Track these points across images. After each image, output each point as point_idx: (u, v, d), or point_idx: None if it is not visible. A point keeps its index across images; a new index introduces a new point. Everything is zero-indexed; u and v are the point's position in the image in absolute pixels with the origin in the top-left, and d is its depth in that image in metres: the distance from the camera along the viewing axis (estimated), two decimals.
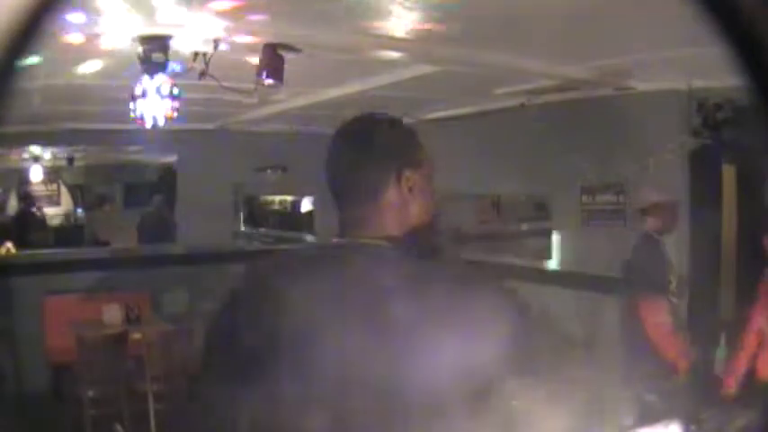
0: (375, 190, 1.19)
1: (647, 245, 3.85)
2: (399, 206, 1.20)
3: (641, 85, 4.33)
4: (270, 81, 3.28)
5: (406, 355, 1.02)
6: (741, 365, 3.32)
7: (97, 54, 3.26)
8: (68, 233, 10.46)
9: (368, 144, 1.22)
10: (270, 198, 11.00)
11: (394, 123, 1.28)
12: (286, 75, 3.29)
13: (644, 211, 3.85)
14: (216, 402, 1.14)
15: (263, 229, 10.16)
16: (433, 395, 1.00)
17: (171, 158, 7.68)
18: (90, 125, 6.06)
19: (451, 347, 1.02)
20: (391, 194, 1.19)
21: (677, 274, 3.86)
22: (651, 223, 3.81)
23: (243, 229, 9.46)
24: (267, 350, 1.08)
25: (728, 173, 4.65)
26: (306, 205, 9.87)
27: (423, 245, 1.20)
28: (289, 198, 10.77)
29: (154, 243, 7.83)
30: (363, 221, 1.19)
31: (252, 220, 10.26)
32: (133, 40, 3.05)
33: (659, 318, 3.62)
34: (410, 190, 1.20)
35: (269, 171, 7.87)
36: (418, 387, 1.00)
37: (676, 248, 4.31)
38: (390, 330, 1.03)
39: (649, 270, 3.80)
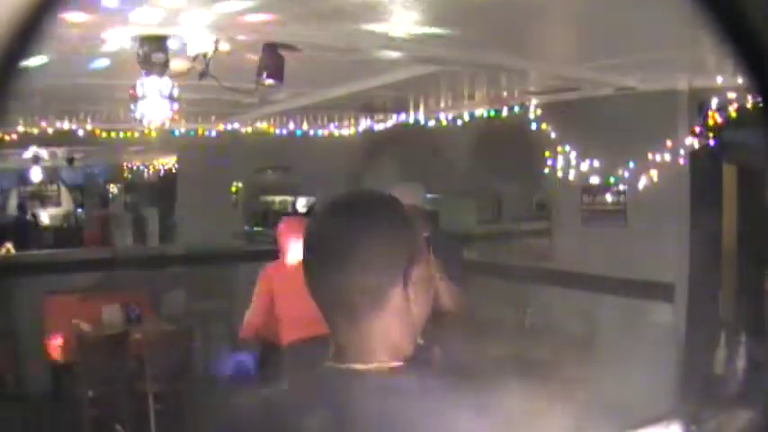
0: (381, 295, 0.94)
1: None
2: (404, 311, 0.97)
3: (641, 85, 4.33)
4: (270, 81, 3.28)
5: None
6: None
7: (97, 54, 3.26)
8: (68, 233, 10.47)
9: (373, 235, 0.96)
10: (270, 198, 11.02)
11: (394, 204, 1.02)
12: (286, 75, 3.29)
13: None
14: None
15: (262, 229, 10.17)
16: None
17: (171, 159, 7.68)
18: (90, 125, 6.06)
19: None
20: (397, 298, 0.96)
21: None
22: None
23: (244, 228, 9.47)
24: None
25: (728, 173, 4.65)
26: (303, 204, 9.88)
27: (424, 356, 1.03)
28: (289, 198, 10.79)
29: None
30: (366, 341, 0.95)
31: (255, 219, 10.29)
32: (133, 40, 3.05)
33: None
34: (413, 288, 0.97)
35: (269, 171, 7.87)
36: None
37: (677, 248, 4.32)
38: None
39: None
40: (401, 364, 0.97)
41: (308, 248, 0.98)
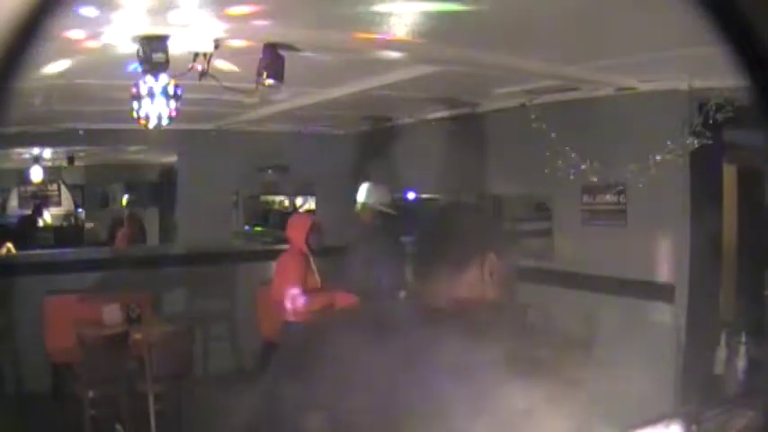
0: (457, 267, 1.26)
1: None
2: (477, 288, 1.25)
3: (641, 86, 4.33)
4: (270, 81, 3.28)
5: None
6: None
7: (97, 54, 3.26)
8: (68, 233, 10.47)
9: (456, 225, 1.35)
10: (270, 198, 11.02)
11: (480, 210, 1.52)
12: (286, 75, 3.29)
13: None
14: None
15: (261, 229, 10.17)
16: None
17: (171, 158, 7.68)
18: (90, 125, 6.06)
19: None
20: (472, 275, 1.25)
21: None
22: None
23: (244, 228, 9.47)
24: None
25: (728, 173, 4.64)
26: (306, 205, 9.88)
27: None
28: (288, 198, 10.79)
29: None
30: (438, 289, 1.26)
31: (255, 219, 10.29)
32: (133, 39, 3.05)
33: None
34: (491, 275, 1.26)
35: (269, 171, 7.87)
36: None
37: (677, 248, 4.32)
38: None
39: None
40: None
41: (420, 231, 1.38)
